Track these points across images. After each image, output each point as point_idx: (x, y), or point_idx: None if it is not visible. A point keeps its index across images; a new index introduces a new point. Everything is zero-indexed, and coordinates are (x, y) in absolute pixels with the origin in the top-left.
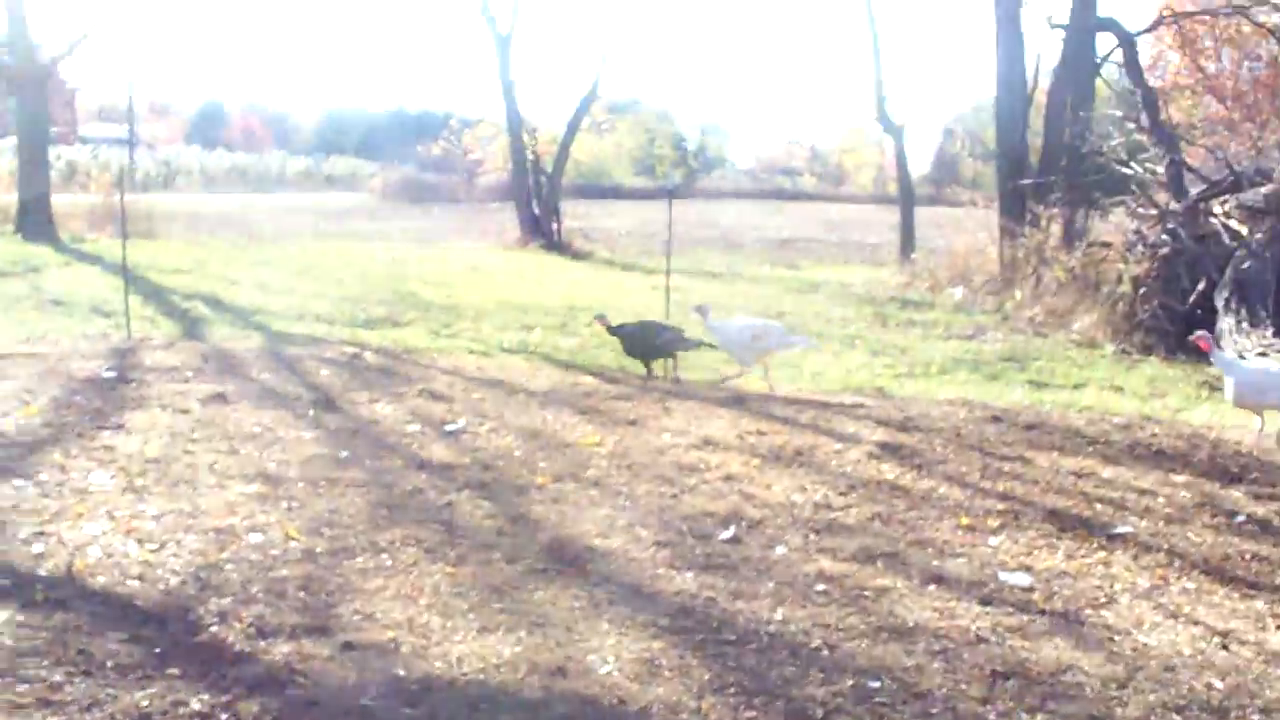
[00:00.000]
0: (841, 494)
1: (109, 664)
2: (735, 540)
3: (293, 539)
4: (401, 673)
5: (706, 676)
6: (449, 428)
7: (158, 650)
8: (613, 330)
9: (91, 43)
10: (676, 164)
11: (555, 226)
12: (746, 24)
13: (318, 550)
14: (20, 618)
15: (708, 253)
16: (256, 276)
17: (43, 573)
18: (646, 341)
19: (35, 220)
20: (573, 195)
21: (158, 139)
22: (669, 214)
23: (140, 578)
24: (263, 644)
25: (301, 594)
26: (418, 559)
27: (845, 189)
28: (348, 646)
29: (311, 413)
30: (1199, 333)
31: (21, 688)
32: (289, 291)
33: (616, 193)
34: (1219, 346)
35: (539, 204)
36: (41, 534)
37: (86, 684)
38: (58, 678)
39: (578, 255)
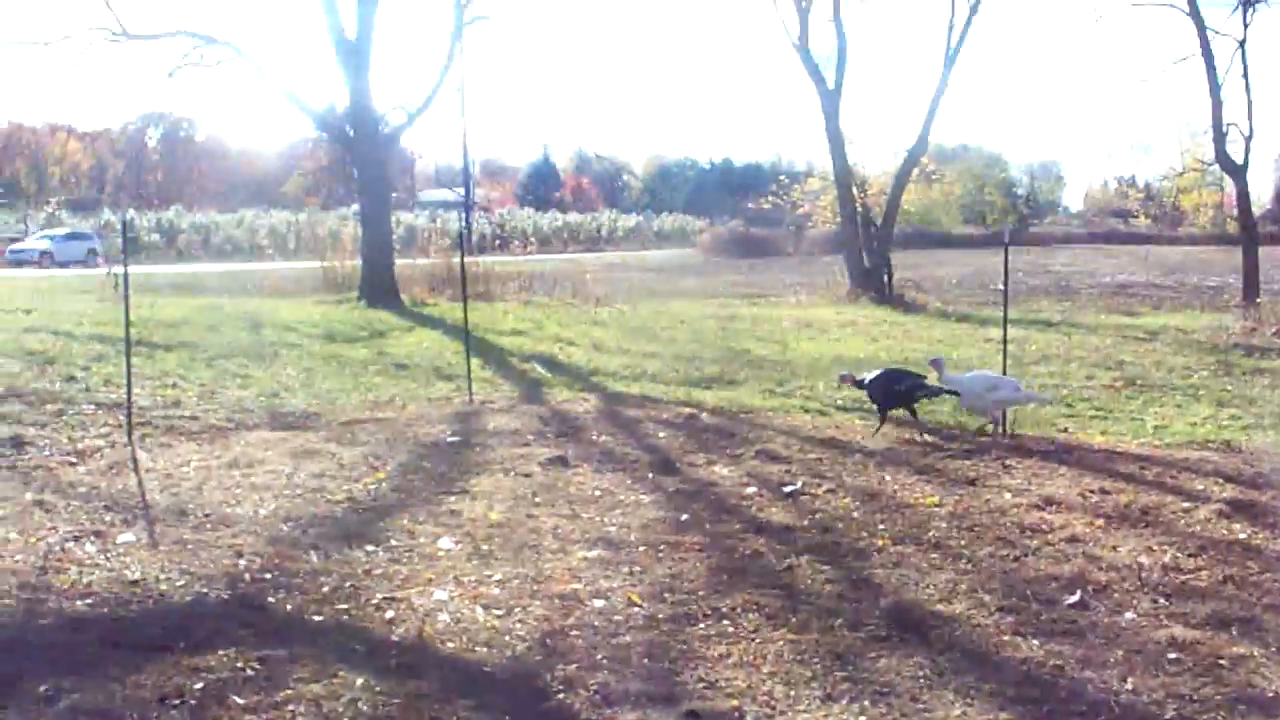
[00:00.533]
0: (1191, 555)
1: None
2: (1081, 605)
3: (635, 604)
4: None
5: None
6: (787, 489)
7: (506, 717)
8: (858, 384)
9: (430, 112)
10: (1006, 210)
11: (886, 278)
12: (1077, 61)
13: (660, 616)
14: (374, 684)
15: (1040, 301)
16: (590, 336)
17: (394, 638)
18: (887, 390)
19: (378, 286)
20: (901, 245)
21: (492, 200)
22: (1005, 262)
23: (488, 644)
24: (608, 711)
25: (645, 661)
26: (759, 625)
27: (1182, 230)
28: (692, 715)
29: (650, 475)
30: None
31: None
32: (623, 351)
33: (945, 241)
34: None
35: (869, 256)
36: (392, 599)
37: None
38: None
39: (909, 307)
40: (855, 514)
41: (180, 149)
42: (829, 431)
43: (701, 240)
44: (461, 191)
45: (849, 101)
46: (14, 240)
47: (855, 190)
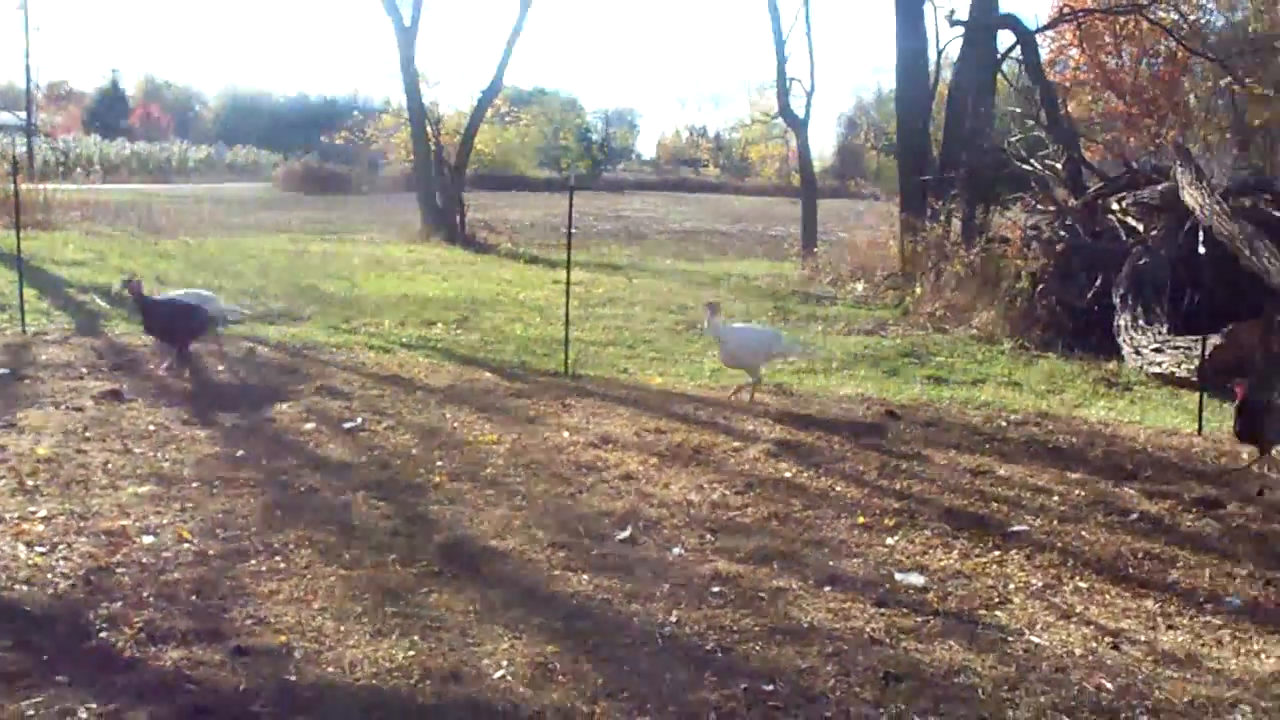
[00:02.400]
0: (739, 493)
1: None
2: (632, 541)
3: (185, 541)
4: (293, 678)
5: (600, 681)
6: (346, 425)
7: (45, 657)
8: (141, 300)
9: None
10: (581, 155)
11: (459, 219)
12: (655, 8)
13: (211, 552)
14: None
15: (610, 245)
16: (155, 268)
17: None
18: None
19: None
20: (476, 186)
21: (56, 125)
22: (570, 205)
23: (28, 581)
24: (153, 650)
25: (194, 598)
26: (312, 561)
27: (750, 181)
28: (239, 651)
29: (207, 411)
30: None
31: None
32: (187, 285)
33: (521, 184)
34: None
35: (442, 196)
36: None
37: None
38: None
39: (481, 248)
40: (414, 450)
41: None
42: (393, 368)
43: (276, 175)
44: (22, 115)
45: (426, 39)
46: None
47: (429, 129)
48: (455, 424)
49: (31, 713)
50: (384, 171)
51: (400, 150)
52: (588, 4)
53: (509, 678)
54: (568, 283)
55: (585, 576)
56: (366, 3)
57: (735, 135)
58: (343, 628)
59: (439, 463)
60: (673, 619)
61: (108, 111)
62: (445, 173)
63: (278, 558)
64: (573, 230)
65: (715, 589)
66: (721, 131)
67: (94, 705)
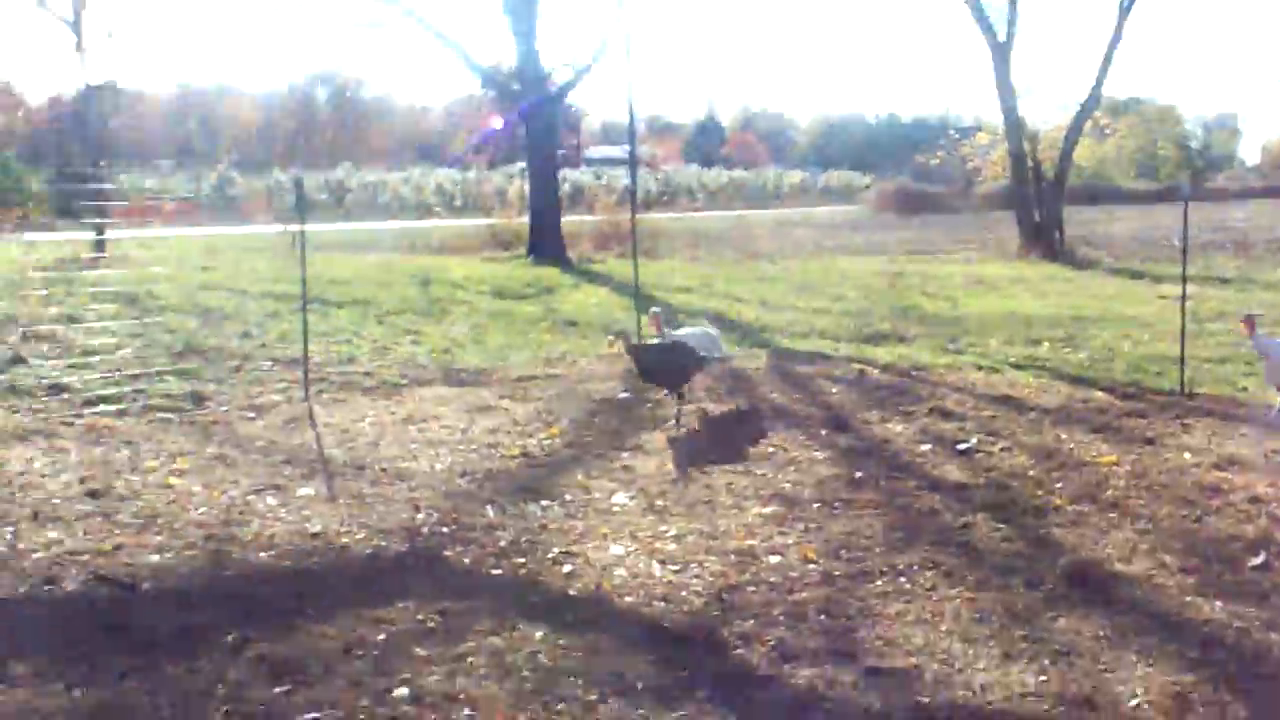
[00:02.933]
0: None
1: (639, 685)
2: (1265, 567)
3: (811, 561)
4: (925, 699)
5: (1243, 713)
6: (961, 446)
7: (685, 672)
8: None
9: (596, 69)
10: (1180, 164)
11: (1057, 235)
12: (1255, 8)
13: (836, 573)
14: (553, 636)
15: (1216, 257)
16: (759, 293)
17: (572, 592)
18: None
19: (546, 243)
20: (1072, 200)
21: (657, 157)
22: (1184, 217)
23: (665, 599)
24: (786, 668)
25: (822, 617)
26: (936, 583)
27: None
28: (871, 672)
29: (823, 432)
30: None
31: (559, 706)
32: (791, 308)
33: (1117, 196)
34: None
35: (1040, 212)
36: (569, 554)
37: (619, 705)
38: (592, 697)
39: (1081, 264)
40: (1031, 472)
41: (348, 107)
42: (1003, 389)
43: (868, 196)
44: (628, 149)
45: (1019, 54)
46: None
47: (1026, 145)
48: (1071, 445)
49: None
50: (977, 190)
51: (995, 167)
52: (1184, 7)
53: (1145, 706)
54: (1183, 297)
55: (1218, 604)
56: (959, 21)
57: None
58: (971, 650)
59: (1058, 484)
60: None
61: (705, 141)
62: (1042, 188)
63: (902, 579)
64: (1181, 243)
65: None
66: None
67: None
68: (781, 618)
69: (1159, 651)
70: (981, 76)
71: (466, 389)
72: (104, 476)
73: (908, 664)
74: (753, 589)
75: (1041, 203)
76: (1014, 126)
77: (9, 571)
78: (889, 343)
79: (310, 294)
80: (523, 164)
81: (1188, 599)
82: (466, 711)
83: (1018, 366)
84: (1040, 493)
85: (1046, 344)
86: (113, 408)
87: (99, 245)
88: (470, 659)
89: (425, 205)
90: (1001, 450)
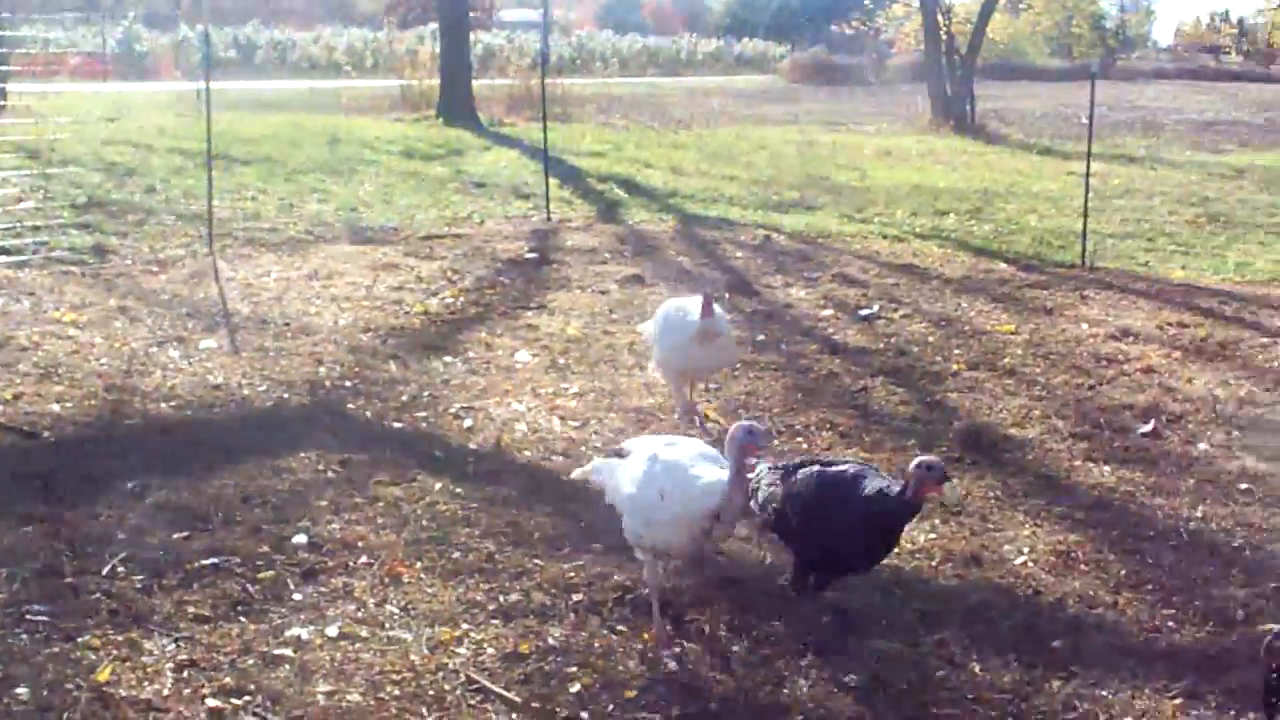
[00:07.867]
0: (1268, 390)
1: (536, 536)
2: (1155, 434)
3: (710, 420)
4: None
5: (1123, 572)
6: (863, 313)
7: (582, 524)
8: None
9: None
10: (1094, 43)
11: (969, 109)
12: None
13: None
14: (454, 488)
15: (1125, 136)
16: (669, 159)
17: (473, 446)
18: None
19: (457, 105)
20: (985, 76)
21: (571, 22)
22: (1091, 95)
23: (565, 454)
24: None
25: None
26: (833, 443)
27: (1275, 67)
28: None
29: (727, 296)
30: None
31: (455, 554)
32: (701, 174)
33: (1030, 73)
34: None
35: (951, 85)
36: (470, 409)
37: (516, 554)
38: (490, 546)
39: (991, 139)
40: (931, 339)
41: None
42: (907, 258)
43: (782, 67)
44: (541, 12)
45: None
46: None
47: (940, 18)
48: (971, 313)
49: (572, 575)
50: (891, 62)
51: (909, 40)
52: None
53: (1030, 564)
54: (1087, 173)
55: (1107, 468)
56: None
57: (1261, 19)
58: None
59: (956, 351)
60: (1198, 514)
61: (620, 8)
62: (955, 61)
63: (799, 439)
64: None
65: (1243, 486)
66: (1245, 16)
67: (630, 570)
68: None
69: (1047, 513)
70: None
71: (372, 247)
72: (3, 327)
73: None
74: None
75: (953, 76)
76: None
77: None
78: (797, 211)
79: (217, 151)
80: (434, 25)
81: (1077, 463)
82: (364, 559)
83: (923, 237)
84: (938, 359)
85: (953, 216)
86: (13, 259)
87: None
88: (369, 508)
89: (335, 65)
90: (902, 317)
